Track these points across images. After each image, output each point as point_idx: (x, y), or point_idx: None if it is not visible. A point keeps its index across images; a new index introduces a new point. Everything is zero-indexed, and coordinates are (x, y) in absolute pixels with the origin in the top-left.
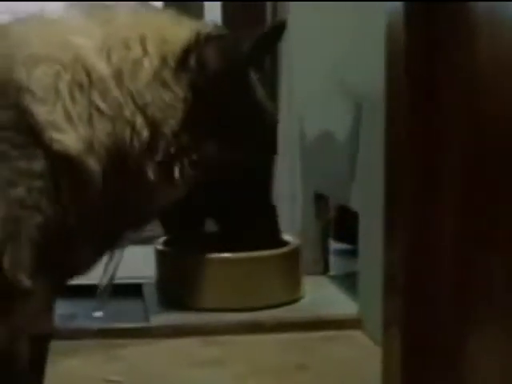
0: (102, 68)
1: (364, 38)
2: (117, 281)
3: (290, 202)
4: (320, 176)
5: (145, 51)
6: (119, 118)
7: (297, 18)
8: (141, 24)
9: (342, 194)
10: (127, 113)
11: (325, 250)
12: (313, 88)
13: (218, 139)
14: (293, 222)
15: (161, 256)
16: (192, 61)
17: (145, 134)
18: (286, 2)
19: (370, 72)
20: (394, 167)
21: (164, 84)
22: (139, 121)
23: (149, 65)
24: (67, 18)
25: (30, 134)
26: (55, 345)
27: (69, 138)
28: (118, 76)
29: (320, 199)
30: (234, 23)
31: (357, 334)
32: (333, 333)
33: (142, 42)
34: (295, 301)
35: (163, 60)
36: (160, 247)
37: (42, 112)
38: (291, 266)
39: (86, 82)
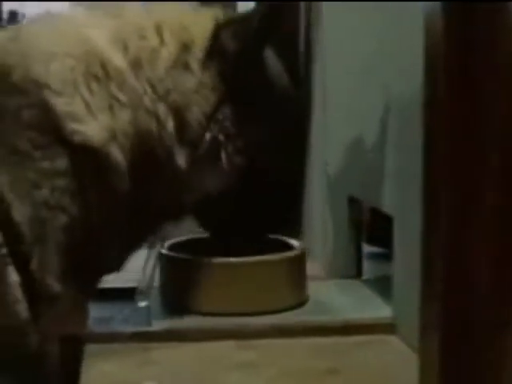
0: (117, 59)
1: (400, 37)
2: (118, 285)
3: (322, 206)
4: (353, 179)
5: (161, 39)
6: (140, 107)
7: (330, 17)
8: (154, 13)
9: (376, 198)
10: (147, 102)
11: (357, 254)
12: (347, 89)
13: (253, 122)
14: (325, 226)
15: (165, 260)
16: (216, 49)
17: (170, 122)
18: (320, 2)
19: (406, 72)
20: (432, 169)
21: (187, 69)
22: (161, 109)
23: (167, 52)
24: (77, 14)
25: (53, 131)
26: (89, 348)
27: (90, 129)
28: (136, 65)
29: (353, 202)
30: None
31: (391, 339)
32: (366, 337)
33: (158, 30)
34: (300, 305)
35: (184, 47)
36: (165, 251)
37: (60, 103)
38: (296, 270)
39: (101, 73)
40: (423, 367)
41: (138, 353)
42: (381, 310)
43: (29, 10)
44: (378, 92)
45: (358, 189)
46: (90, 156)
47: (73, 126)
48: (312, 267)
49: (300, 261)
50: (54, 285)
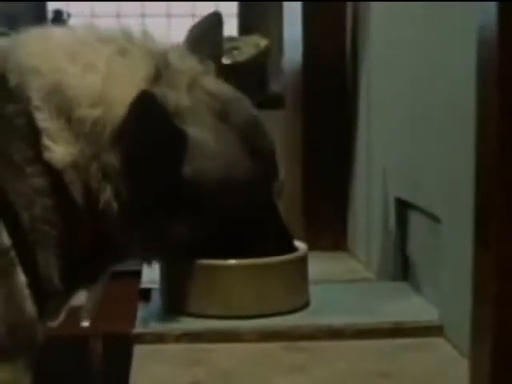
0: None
1: (452, 50)
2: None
3: (367, 207)
4: (400, 180)
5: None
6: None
7: (378, 28)
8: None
9: (424, 199)
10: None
11: (404, 256)
12: (392, 100)
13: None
14: (371, 227)
15: (165, 261)
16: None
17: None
18: (368, 3)
19: (459, 81)
20: (485, 180)
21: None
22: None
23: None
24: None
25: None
26: (138, 349)
27: (58, 149)
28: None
29: (399, 203)
30: (314, 23)
31: (439, 342)
32: (414, 340)
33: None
34: (301, 308)
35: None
36: None
37: (40, 118)
38: (297, 273)
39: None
40: (474, 373)
41: (187, 353)
42: (428, 313)
43: (74, 9)
44: (427, 97)
45: (405, 190)
46: (55, 176)
47: (46, 141)
48: (359, 270)
49: (301, 263)
50: (58, 283)
